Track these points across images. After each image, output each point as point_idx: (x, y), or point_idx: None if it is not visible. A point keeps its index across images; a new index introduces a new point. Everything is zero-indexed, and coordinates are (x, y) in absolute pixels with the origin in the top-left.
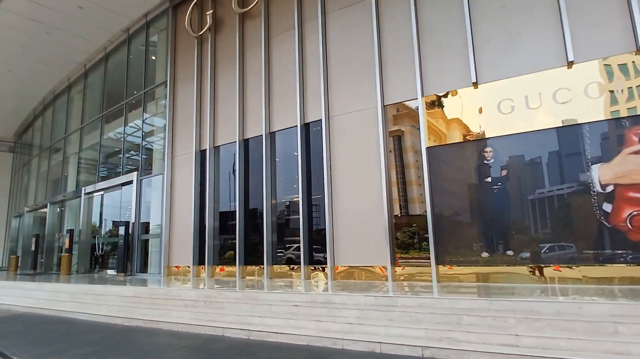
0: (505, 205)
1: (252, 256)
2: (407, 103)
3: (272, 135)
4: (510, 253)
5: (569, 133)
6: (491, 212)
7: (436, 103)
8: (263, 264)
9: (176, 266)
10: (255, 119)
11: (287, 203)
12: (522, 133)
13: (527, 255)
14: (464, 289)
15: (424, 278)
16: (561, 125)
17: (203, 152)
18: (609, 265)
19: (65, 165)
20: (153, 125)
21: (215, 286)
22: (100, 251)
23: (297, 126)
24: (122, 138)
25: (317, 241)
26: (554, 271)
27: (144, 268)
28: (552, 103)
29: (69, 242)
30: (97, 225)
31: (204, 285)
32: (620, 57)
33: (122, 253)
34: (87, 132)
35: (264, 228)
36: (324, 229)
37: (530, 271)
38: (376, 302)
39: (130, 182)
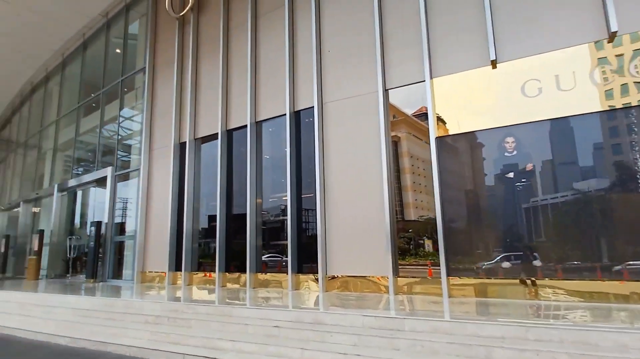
0: (530, 206)
1: (235, 262)
2: (403, 110)
3: (258, 126)
4: (537, 263)
5: (613, 118)
6: (513, 214)
7: (446, 86)
8: (245, 271)
9: (151, 272)
10: (240, 107)
11: (275, 203)
12: (550, 119)
13: (560, 266)
14: (485, 307)
15: (431, 291)
16: (603, 109)
17: (183, 145)
18: None
19: (41, 162)
20: (132, 120)
21: (185, 297)
22: (72, 254)
23: (286, 114)
24: (98, 132)
25: (308, 246)
26: (614, 285)
27: (117, 273)
28: (589, 84)
29: (38, 244)
30: (72, 225)
31: (171, 297)
32: None
33: (92, 256)
34: (63, 125)
35: (248, 230)
36: (315, 233)
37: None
38: (378, 324)
39: (105, 179)
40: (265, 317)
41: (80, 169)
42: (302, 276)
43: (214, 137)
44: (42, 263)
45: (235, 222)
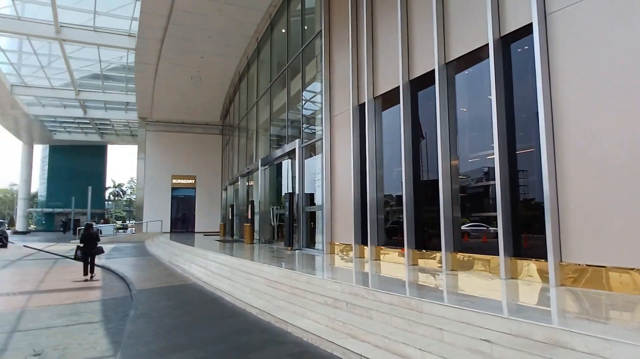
0: None
1: (426, 238)
2: None
3: (448, 69)
4: None
5: None
6: None
7: None
8: (440, 249)
9: (338, 244)
10: (423, 50)
11: (476, 165)
12: None
13: None
14: None
15: None
16: None
17: (362, 107)
18: None
19: (250, 141)
20: (313, 92)
21: (367, 279)
22: (275, 222)
23: (488, 45)
24: (286, 107)
25: (526, 219)
26: None
27: (311, 242)
28: None
29: (250, 213)
30: (274, 196)
31: (352, 276)
32: None
33: (288, 225)
34: (262, 106)
35: (441, 199)
36: (538, 201)
37: None
38: None
39: (294, 151)
40: (468, 322)
41: (276, 144)
42: (519, 261)
43: (394, 93)
44: (255, 229)
45: (426, 189)
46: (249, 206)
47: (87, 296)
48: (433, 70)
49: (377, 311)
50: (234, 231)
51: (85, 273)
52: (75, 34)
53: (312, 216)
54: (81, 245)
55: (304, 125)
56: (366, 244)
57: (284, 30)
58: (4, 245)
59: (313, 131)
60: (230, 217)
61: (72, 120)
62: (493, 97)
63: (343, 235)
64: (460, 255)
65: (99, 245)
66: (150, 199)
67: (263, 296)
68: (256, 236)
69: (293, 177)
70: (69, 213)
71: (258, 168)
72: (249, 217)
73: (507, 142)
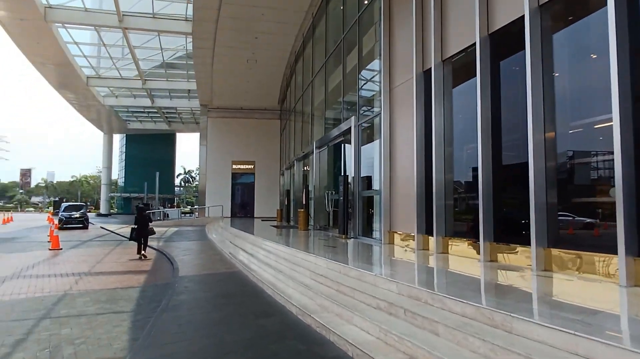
0: None
1: (508, 228)
2: None
3: (543, 14)
4: None
5: None
6: None
7: None
8: (529, 243)
9: (399, 233)
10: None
11: (580, 136)
12: None
13: None
14: None
15: None
16: None
17: (427, 74)
18: None
19: (305, 124)
20: (370, 70)
21: (433, 279)
22: (330, 208)
23: None
24: (341, 81)
25: None
26: None
27: (367, 230)
28: None
29: (305, 198)
30: (329, 179)
31: (413, 275)
32: None
33: (342, 211)
34: (317, 86)
35: (531, 181)
36: None
37: None
38: None
39: (349, 130)
40: (575, 352)
41: (331, 125)
42: None
43: (468, 53)
44: (310, 214)
45: (507, 170)
46: (304, 191)
47: (130, 281)
48: (522, 18)
49: (446, 325)
50: (290, 217)
51: (139, 252)
52: (137, 22)
53: (369, 202)
54: (135, 227)
55: (361, 102)
56: (431, 234)
57: (339, 1)
58: (85, 227)
59: (370, 109)
60: (286, 202)
61: (142, 110)
62: (612, 46)
63: (404, 223)
64: (557, 252)
65: (150, 227)
66: (211, 184)
67: (306, 291)
68: (311, 222)
69: (348, 159)
70: (142, 198)
71: (313, 151)
72: (304, 202)
73: (634, 101)
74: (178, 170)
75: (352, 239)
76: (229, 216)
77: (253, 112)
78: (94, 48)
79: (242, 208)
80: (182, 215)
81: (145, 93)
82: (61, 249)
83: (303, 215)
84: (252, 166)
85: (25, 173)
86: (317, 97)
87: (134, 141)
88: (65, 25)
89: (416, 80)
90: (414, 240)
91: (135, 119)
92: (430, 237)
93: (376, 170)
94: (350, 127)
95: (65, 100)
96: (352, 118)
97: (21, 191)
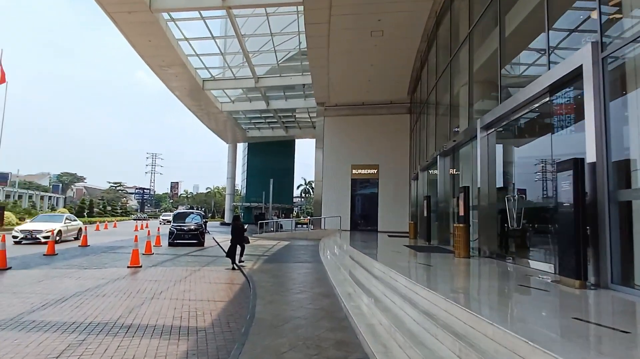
0: None
1: None
2: None
3: None
4: None
5: None
6: None
7: None
8: None
9: None
10: None
11: None
12: None
13: None
14: None
15: None
16: None
17: None
18: None
19: (453, 104)
20: None
21: None
22: (514, 224)
23: None
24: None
25: None
26: None
27: (630, 272)
28: None
29: (463, 206)
30: (505, 177)
31: None
32: None
33: (571, 232)
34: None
35: None
36: None
37: None
38: None
39: (577, 76)
40: None
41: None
42: None
43: None
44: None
45: None
46: (459, 196)
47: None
48: None
49: None
50: (430, 233)
51: (232, 263)
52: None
53: (627, 214)
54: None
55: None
56: None
57: None
58: (201, 243)
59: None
60: (426, 213)
61: (259, 115)
62: None
63: None
64: None
65: (245, 235)
66: (328, 192)
67: None
68: (471, 244)
69: (587, 127)
70: (261, 207)
71: (476, 135)
72: (461, 214)
73: None
74: (298, 181)
75: (598, 289)
76: (348, 228)
77: (377, 106)
78: (204, 48)
79: (364, 220)
80: (297, 226)
81: (260, 95)
82: (140, 266)
83: (463, 233)
84: (375, 170)
85: (175, 186)
86: (477, 62)
87: (255, 150)
88: (171, 13)
89: None
90: None
91: (253, 126)
92: None
93: None
94: (580, 65)
95: (189, 109)
96: (588, 48)
97: (171, 201)
